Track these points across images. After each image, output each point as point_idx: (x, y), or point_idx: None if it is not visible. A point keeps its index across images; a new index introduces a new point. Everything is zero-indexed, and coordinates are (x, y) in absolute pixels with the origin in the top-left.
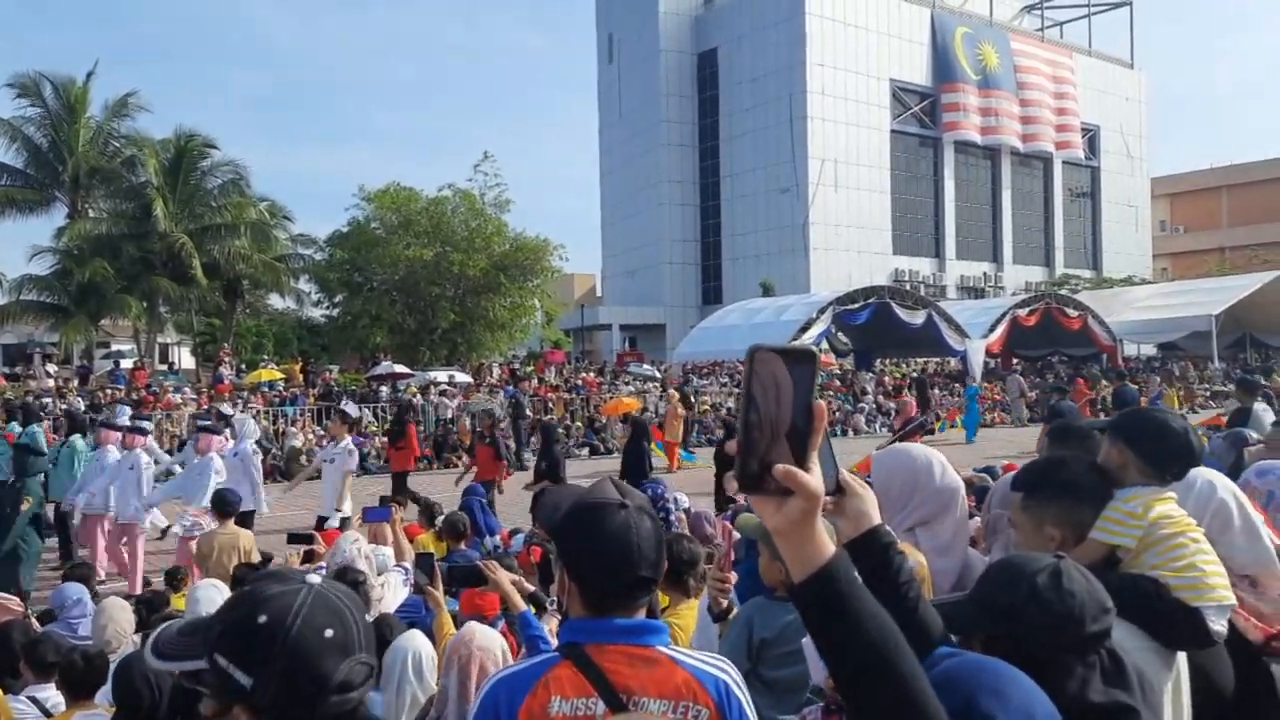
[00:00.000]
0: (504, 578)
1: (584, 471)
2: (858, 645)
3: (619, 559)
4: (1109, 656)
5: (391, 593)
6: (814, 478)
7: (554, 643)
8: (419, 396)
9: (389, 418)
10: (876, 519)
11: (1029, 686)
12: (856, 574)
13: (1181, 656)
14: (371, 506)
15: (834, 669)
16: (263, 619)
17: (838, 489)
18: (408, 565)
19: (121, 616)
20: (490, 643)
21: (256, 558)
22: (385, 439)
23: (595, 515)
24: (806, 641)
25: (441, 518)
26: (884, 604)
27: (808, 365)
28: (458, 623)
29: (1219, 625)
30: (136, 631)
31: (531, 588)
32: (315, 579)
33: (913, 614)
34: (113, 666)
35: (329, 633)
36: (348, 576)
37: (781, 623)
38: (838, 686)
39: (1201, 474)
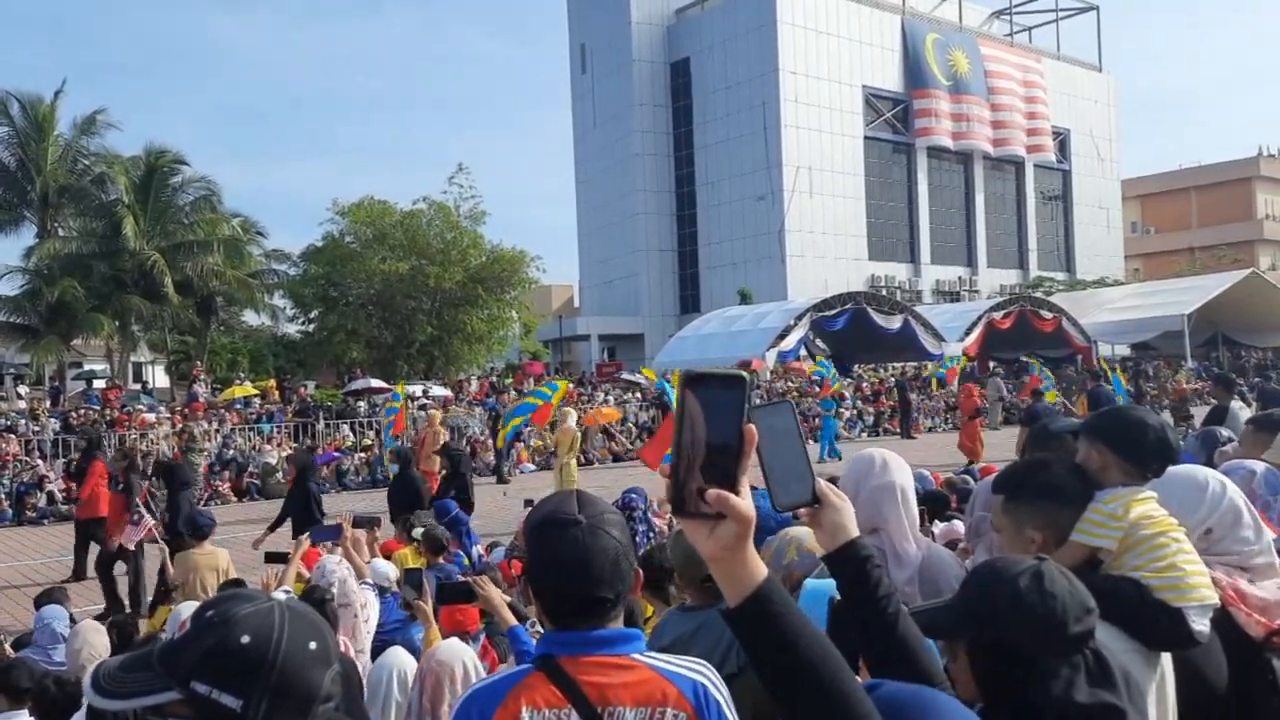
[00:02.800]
0: (494, 594)
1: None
2: (795, 666)
3: (569, 577)
4: (1094, 657)
5: (373, 611)
6: (745, 501)
7: None
8: None
9: (370, 433)
10: (854, 531)
11: (956, 711)
12: (788, 595)
13: (1166, 657)
14: (320, 527)
15: (773, 690)
16: (245, 639)
17: (814, 499)
18: (369, 581)
19: (97, 640)
20: (451, 657)
21: (235, 575)
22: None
23: (548, 531)
24: None
25: (420, 529)
26: (863, 619)
27: (738, 389)
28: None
29: (1201, 625)
30: (113, 655)
31: (522, 608)
32: (281, 595)
33: (892, 629)
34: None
35: (312, 645)
36: (314, 595)
37: (674, 634)
38: (779, 707)
39: (1211, 475)
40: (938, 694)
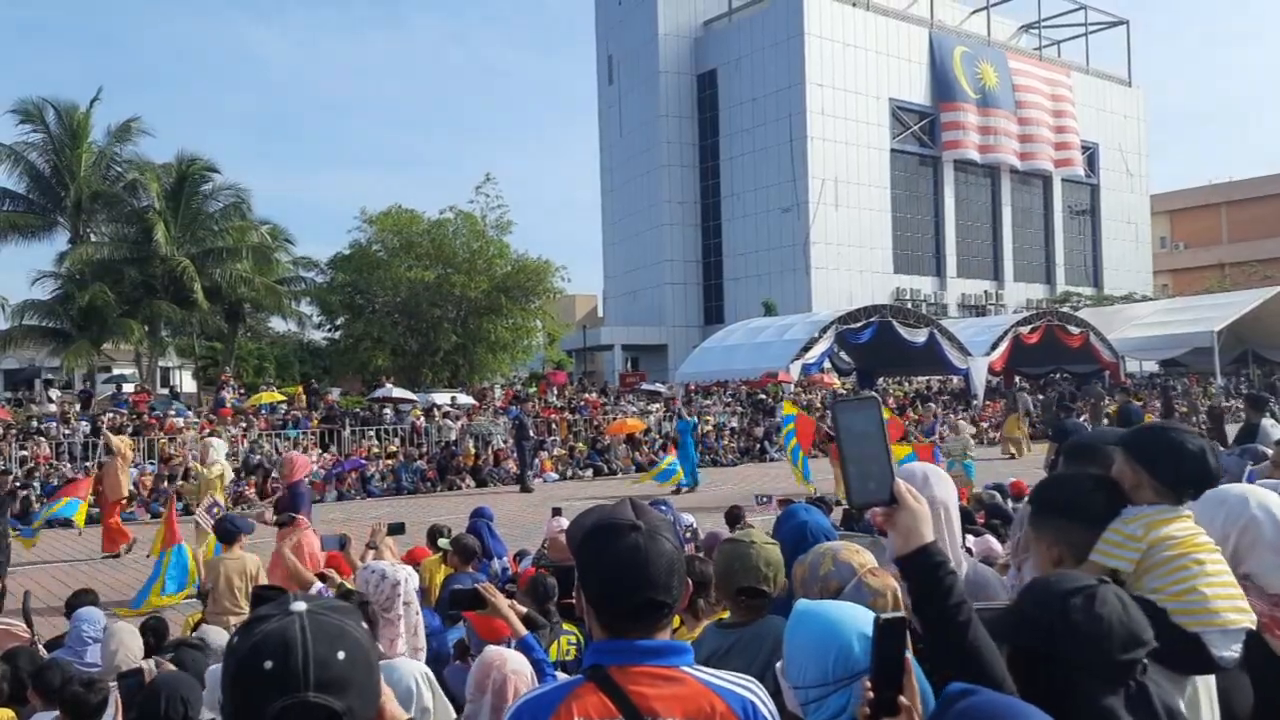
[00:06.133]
0: (502, 601)
1: (588, 494)
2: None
3: (627, 581)
4: (1136, 687)
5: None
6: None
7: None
8: (423, 418)
9: (396, 440)
10: (928, 536)
11: None
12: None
13: (1206, 678)
14: (326, 535)
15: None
16: (232, 643)
17: (891, 500)
18: (322, 586)
19: (132, 642)
20: (522, 666)
21: (265, 580)
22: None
23: (606, 537)
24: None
25: (445, 539)
26: (934, 625)
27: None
28: (474, 647)
29: (1226, 651)
30: (146, 657)
31: (524, 609)
32: (301, 606)
33: (963, 635)
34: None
35: (268, 665)
36: (353, 599)
37: (709, 650)
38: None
39: (1235, 488)
40: (1034, 709)
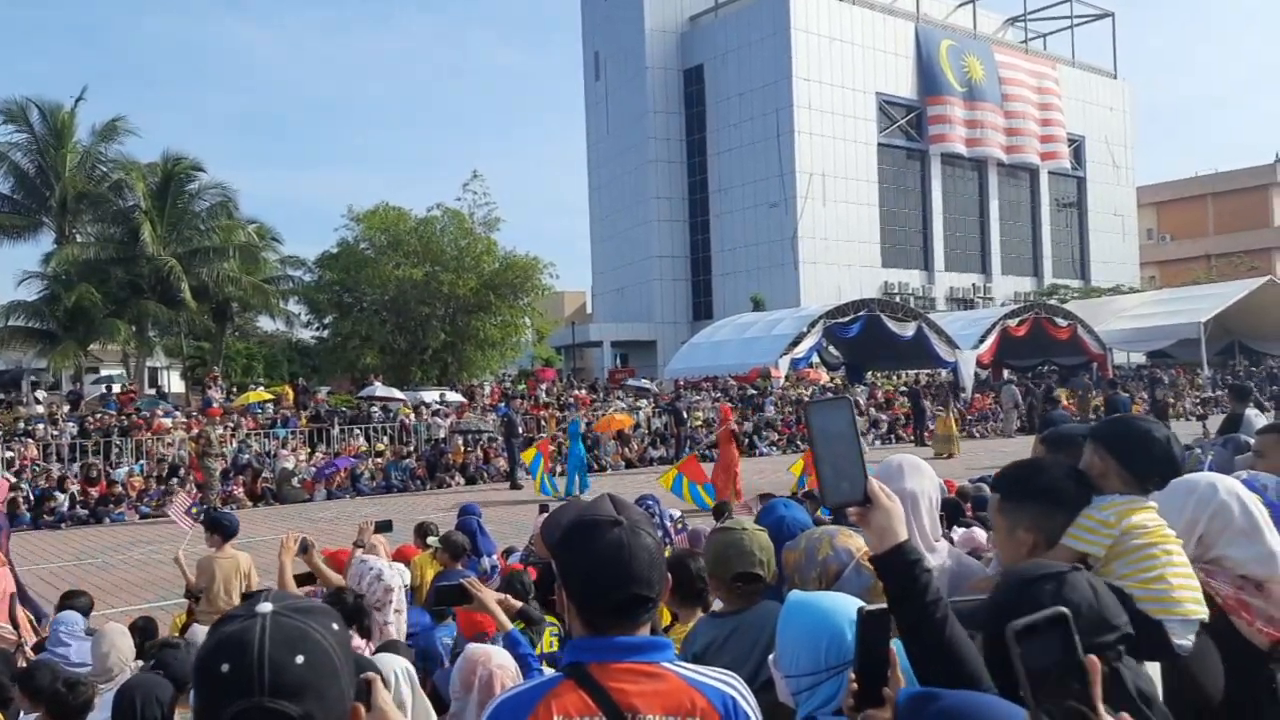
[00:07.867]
0: (488, 596)
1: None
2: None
3: (611, 577)
4: (1110, 672)
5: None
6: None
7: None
8: (412, 416)
9: (385, 439)
10: (902, 534)
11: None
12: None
13: (1154, 666)
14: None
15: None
16: (202, 643)
17: (865, 499)
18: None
19: (123, 643)
20: (508, 661)
21: (257, 579)
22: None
23: (588, 533)
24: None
25: (435, 537)
26: (911, 623)
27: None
28: (458, 645)
29: (1183, 640)
30: (136, 659)
31: (519, 604)
32: (266, 607)
33: (940, 632)
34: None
35: (224, 667)
36: (344, 597)
37: (705, 640)
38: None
39: (1204, 476)
40: (1001, 701)
